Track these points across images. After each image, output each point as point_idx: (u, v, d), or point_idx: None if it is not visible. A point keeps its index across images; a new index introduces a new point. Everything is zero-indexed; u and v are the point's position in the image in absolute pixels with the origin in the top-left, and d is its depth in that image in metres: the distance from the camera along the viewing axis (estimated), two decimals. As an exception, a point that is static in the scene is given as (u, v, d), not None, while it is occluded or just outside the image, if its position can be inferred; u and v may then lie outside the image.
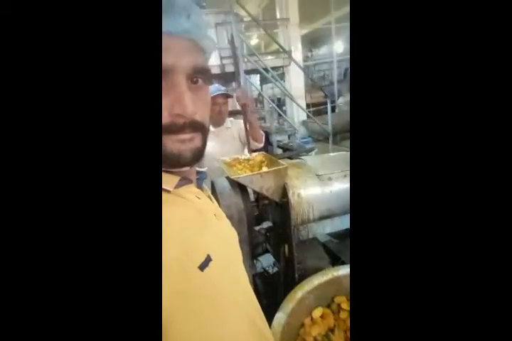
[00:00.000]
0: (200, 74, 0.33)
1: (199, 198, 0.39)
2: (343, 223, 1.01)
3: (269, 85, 6.10)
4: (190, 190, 0.39)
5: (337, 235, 1.31)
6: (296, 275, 1.07)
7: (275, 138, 2.87)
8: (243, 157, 1.22)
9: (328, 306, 0.98)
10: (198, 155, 0.35)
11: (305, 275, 1.03)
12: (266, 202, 1.11)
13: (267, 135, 2.97)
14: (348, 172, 1.00)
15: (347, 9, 6.44)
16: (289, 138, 3.26)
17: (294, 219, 1.00)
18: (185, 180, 0.37)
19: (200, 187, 0.42)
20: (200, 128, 0.34)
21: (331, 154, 1.20)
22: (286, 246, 1.08)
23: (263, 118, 4.53)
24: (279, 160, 1.02)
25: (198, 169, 0.43)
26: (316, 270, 1.01)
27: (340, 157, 1.15)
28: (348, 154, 1.16)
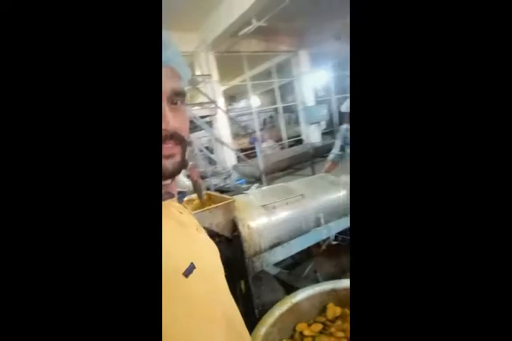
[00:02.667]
0: (178, 97, 0.38)
1: (181, 213, 0.41)
2: (292, 247, 1.08)
3: (196, 135, 6.40)
4: (173, 205, 0.41)
5: (286, 265, 1.36)
6: (256, 312, 1.04)
7: (212, 182, 2.92)
8: (187, 198, 1.23)
9: (292, 337, 0.97)
10: (178, 168, 0.38)
11: (265, 310, 1.02)
12: (217, 239, 1.11)
13: (202, 179, 3.01)
14: (289, 200, 1.12)
15: (259, 69, 7.64)
16: (224, 180, 3.37)
17: (248, 252, 1.02)
18: (167, 194, 0.39)
19: (180, 203, 0.45)
20: (180, 141, 0.38)
21: (270, 186, 1.32)
22: (243, 283, 1.07)
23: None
24: (225, 196, 1.08)
25: (179, 189, 0.46)
26: (274, 303, 1.01)
27: (279, 188, 1.27)
28: (284, 185, 1.29)
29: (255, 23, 4.23)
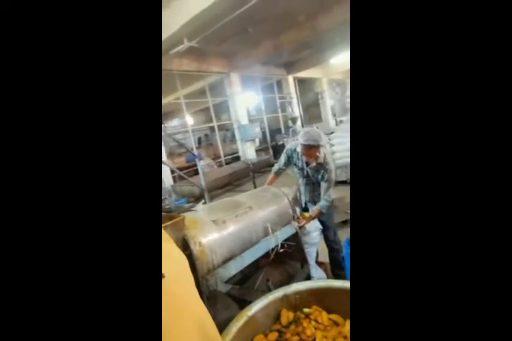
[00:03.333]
0: None
1: None
2: (245, 259, 1.10)
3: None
4: None
5: (236, 281, 1.36)
6: (213, 332, 1.01)
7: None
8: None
9: None
10: None
11: (222, 328, 0.99)
12: (165, 261, 1.05)
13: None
14: (238, 213, 1.15)
15: (193, 88, 7.68)
16: (163, 201, 3.20)
17: (201, 270, 1.00)
18: None
19: None
20: None
21: (217, 201, 1.33)
22: (196, 303, 1.03)
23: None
24: (173, 214, 1.05)
25: None
26: (231, 320, 0.99)
27: (226, 202, 1.29)
28: (231, 199, 1.32)
29: (186, 43, 4.32)
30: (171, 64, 5.56)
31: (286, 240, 1.29)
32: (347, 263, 1.83)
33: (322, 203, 1.75)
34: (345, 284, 0.97)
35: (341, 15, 4.95)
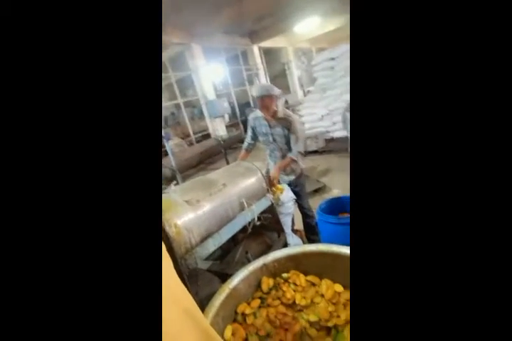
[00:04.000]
0: None
1: None
2: (222, 236, 1.11)
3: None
4: None
5: (216, 257, 1.39)
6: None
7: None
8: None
9: (235, 320, 1.00)
10: None
11: (204, 304, 1.02)
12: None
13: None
14: (212, 191, 1.14)
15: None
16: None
17: (178, 251, 0.99)
18: None
19: None
20: None
21: (189, 181, 1.30)
22: (178, 282, 1.04)
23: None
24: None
25: None
26: (212, 295, 1.01)
27: (198, 181, 1.27)
28: (203, 177, 1.30)
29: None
30: (123, 35, 5.03)
31: (262, 213, 1.32)
32: (320, 228, 1.94)
33: (293, 152, 1.82)
34: (319, 247, 1.02)
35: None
